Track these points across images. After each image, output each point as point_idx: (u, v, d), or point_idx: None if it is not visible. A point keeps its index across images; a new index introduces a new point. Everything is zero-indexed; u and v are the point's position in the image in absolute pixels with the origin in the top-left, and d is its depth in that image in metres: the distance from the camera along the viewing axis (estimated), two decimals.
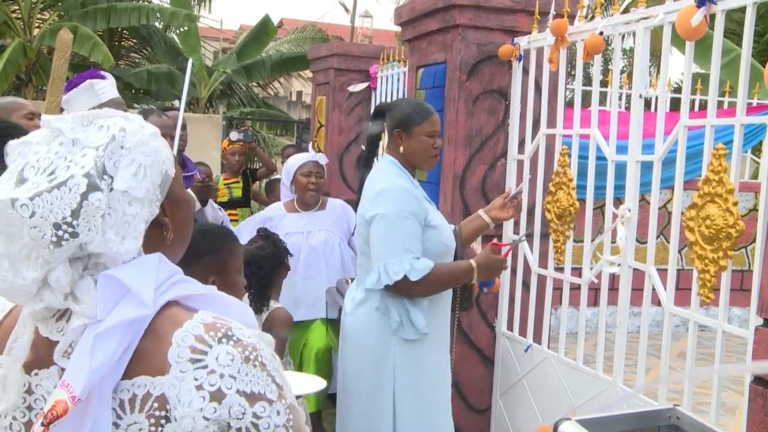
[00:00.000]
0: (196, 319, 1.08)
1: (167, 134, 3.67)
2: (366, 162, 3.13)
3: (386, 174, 2.93)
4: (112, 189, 1.05)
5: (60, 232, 1.00)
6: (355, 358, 2.98)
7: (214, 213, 3.77)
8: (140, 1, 11.47)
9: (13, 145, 1.09)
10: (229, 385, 1.05)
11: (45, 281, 1.04)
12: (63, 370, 1.07)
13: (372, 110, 3.21)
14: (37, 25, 10.93)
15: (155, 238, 1.15)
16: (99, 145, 1.07)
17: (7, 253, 1.02)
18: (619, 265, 3.12)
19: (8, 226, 1.01)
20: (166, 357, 1.04)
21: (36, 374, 1.10)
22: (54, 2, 11.21)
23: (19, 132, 1.17)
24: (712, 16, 2.58)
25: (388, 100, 5.30)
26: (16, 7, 10.69)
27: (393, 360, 2.88)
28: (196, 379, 1.04)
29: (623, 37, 3.32)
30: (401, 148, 2.93)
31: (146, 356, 1.04)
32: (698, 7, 2.52)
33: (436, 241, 2.90)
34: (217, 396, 1.04)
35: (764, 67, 2.34)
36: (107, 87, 2.82)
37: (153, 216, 1.12)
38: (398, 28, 4.54)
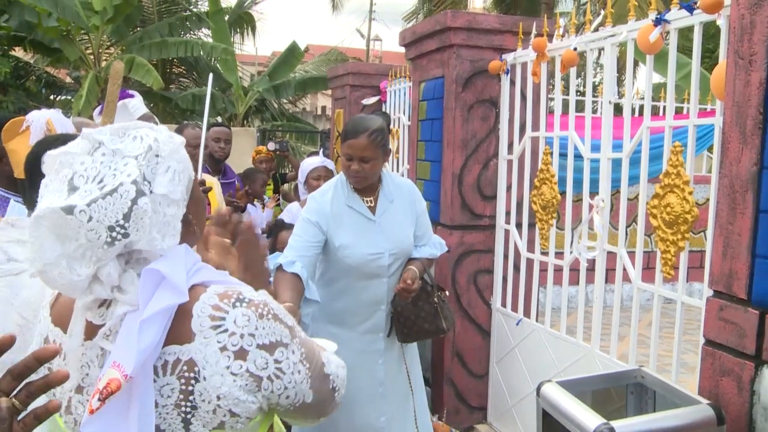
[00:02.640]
0: (210, 292, 1.10)
1: (199, 144, 3.71)
2: None
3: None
4: (152, 192, 1.06)
5: (114, 234, 1.01)
6: None
7: (255, 210, 3.82)
8: (187, 36, 11.64)
9: (52, 155, 1.08)
10: (249, 342, 1.07)
11: (95, 276, 1.05)
12: (102, 348, 1.09)
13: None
14: (104, 58, 11.16)
15: (185, 234, 1.16)
16: (138, 154, 1.07)
17: (63, 254, 1.02)
18: (591, 249, 3.13)
19: (64, 229, 1.01)
20: (190, 327, 1.06)
21: (82, 345, 1.13)
22: (118, 39, 11.47)
23: (68, 139, 1.17)
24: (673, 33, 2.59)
25: (397, 112, 5.33)
26: (89, 45, 10.97)
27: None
28: (219, 342, 1.06)
29: (600, 52, 3.32)
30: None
31: (174, 329, 1.06)
32: (655, 25, 2.54)
33: (341, 259, 2.72)
34: (241, 354, 1.06)
35: None
36: (138, 104, 2.87)
37: (182, 215, 1.14)
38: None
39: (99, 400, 0.99)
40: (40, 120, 2.05)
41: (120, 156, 1.06)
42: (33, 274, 1.05)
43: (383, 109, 5.65)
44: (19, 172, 2.03)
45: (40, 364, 0.87)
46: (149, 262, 1.08)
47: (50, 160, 1.08)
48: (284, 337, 1.12)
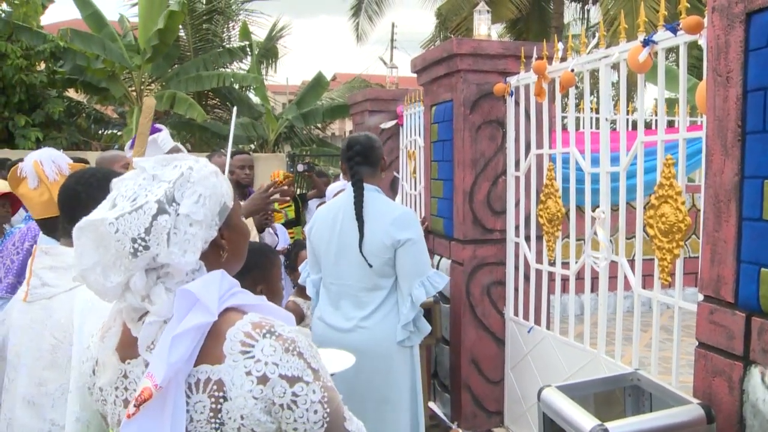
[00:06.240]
0: (245, 319, 1.12)
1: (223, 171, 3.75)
2: (359, 191, 2.76)
3: (389, 201, 2.83)
4: (178, 213, 1.11)
5: (136, 245, 1.07)
6: (372, 369, 2.70)
7: (270, 237, 3.83)
8: (219, 69, 11.91)
9: (114, 181, 1.18)
10: (272, 371, 1.08)
11: (127, 285, 1.10)
12: (147, 362, 1.13)
13: (355, 146, 2.83)
14: (146, 94, 11.51)
15: (213, 256, 1.19)
16: (171, 179, 1.13)
17: (100, 262, 1.09)
18: (599, 258, 3.11)
19: (102, 240, 1.08)
20: (222, 350, 1.09)
21: (128, 363, 1.17)
22: (158, 76, 11.80)
23: (114, 176, 1.27)
24: (675, 51, 2.59)
25: (414, 134, 5.34)
26: (132, 83, 11.37)
27: (411, 363, 2.79)
28: (245, 367, 1.08)
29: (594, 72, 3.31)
30: (383, 174, 2.91)
31: (207, 350, 1.09)
32: (644, 46, 2.54)
33: None
34: (263, 380, 1.08)
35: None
36: (166, 137, 2.89)
37: (212, 237, 1.17)
38: None
39: (135, 406, 1.04)
40: (29, 164, 2.12)
41: (157, 180, 1.14)
42: (75, 277, 1.12)
43: (400, 133, 5.68)
44: (36, 214, 2.08)
45: None
46: (176, 278, 1.12)
47: (114, 185, 1.18)
48: (306, 375, 1.11)
